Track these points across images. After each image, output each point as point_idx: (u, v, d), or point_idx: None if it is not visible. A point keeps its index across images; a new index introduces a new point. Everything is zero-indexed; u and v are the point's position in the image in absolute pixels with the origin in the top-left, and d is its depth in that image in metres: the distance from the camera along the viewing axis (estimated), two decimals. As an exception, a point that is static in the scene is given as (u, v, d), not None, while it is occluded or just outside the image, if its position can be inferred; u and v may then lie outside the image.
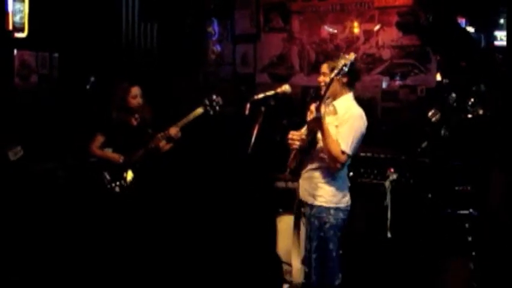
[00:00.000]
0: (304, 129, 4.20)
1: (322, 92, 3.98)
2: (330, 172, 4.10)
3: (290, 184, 5.87)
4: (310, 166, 4.22)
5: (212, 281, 5.33)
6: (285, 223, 5.38)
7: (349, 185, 4.30)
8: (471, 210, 5.34)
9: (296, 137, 4.20)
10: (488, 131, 5.59)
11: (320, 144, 4.07)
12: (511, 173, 5.27)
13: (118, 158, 5.23)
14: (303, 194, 4.29)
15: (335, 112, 4.08)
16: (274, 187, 5.87)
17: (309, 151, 4.16)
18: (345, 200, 4.18)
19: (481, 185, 5.47)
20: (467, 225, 5.30)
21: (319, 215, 4.14)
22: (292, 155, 4.33)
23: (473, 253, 5.12)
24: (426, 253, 5.29)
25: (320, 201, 4.14)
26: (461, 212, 5.37)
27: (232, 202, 6.29)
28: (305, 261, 4.38)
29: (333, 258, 4.15)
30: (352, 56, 3.84)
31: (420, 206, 5.52)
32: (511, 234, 5.07)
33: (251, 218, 5.96)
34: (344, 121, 4.01)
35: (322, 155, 4.09)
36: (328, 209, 4.11)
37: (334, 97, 4.13)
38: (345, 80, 4.06)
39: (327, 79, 3.96)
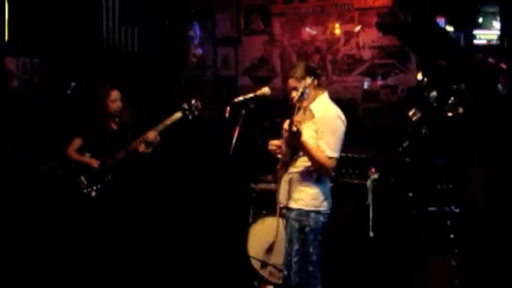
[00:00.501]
0: (282, 141, 4.19)
1: (294, 111, 3.95)
2: (311, 175, 4.08)
3: (272, 186, 5.90)
4: (291, 169, 4.19)
5: (189, 282, 5.34)
6: (267, 225, 5.41)
7: (331, 185, 4.30)
8: (452, 207, 5.38)
9: (275, 147, 4.20)
10: (468, 129, 5.64)
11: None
12: (490, 170, 5.32)
13: (94, 163, 5.20)
14: (283, 197, 4.26)
15: (312, 116, 4.07)
16: (255, 189, 5.88)
17: (292, 158, 4.15)
18: (325, 204, 4.15)
19: (462, 183, 5.52)
20: (448, 222, 5.34)
21: (299, 218, 4.11)
22: (279, 165, 4.30)
23: (455, 250, 5.16)
24: (408, 251, 5.32)
25: (300, 205, 4.11)
26: (443, 209, 5.41)
27: (211, 204, 6.29)
28: (284, 265, 4.38)
29: (313, 262, 4.12)
30: (308, 81, 3.95)
31: (402, 204, 5.55)
32: (492, 231, 5.13)
33: (230, 220, 5.97)
34: (322, 124, 4.00)
35: (302, 159, 4.08)
36: (309, 212, 4.09)
37: (310, 101, 4.10)
38: (314, 82, 4.07)
39: (298, 93, 3.94)
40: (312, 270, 4.13)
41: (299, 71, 4.08)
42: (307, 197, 4.10)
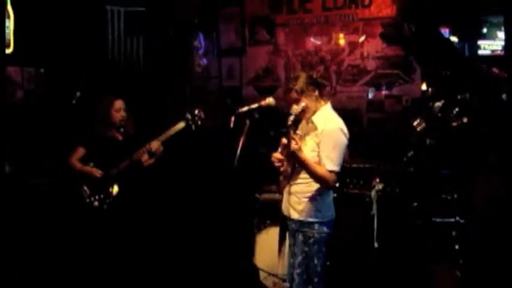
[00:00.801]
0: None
1: (290, 128, 3.98)
2: (313, 187, 4.07)
3: (276, 196, 5.89)
4: (293, 181, 4.20)
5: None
6: (271, 235, 5.39)
7: (335, 195, 4.31)
8: (457, 218, 5.37)
9: (276, 160, 4.17)
10: (473, 139, 5.63)
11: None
12: (494, 180, 5.31)
13: (97, 173, 5.20)
14: (287, 208, 4.26)
15: (315, 128, 4.07)
16: (259, 199, 5.88)
17: (294, 170, 4.17)
18: (329, 214, 4.16)
19: (467, 193, 5.50)
20: (454, 233, 5.32)
21: (303, 230, 4.11)
22: (281, 177, 4.32)
23: (460, 261, 5.14)
24: (413, 262, 5.30)
25: (304, 216, 4.11)
26: (448, 220, 5.39)
27: (215, 214, 6.28)
28: (288, 277, 4.36)
29: (319, 273, 4.12)
30: (301, 104, 4.02)
31: (406, 215, 5.53)
32: (497, 241, 5.11)
33: (234, 230, 5.96)
34: (324, 137, 3.99)
35: (304, 171, 4.07)
36: (313, 223, 4.08)
37: (313, 113, 4.11)
38: (316, 93, 4.10)
39: (300, 107, 4.03)
40: (317, 281, 4.12)
41: (299, 83, 4.10)
42: (310, 208, 4.09)
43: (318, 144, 4.00)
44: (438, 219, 5.47)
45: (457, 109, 5.90)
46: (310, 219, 4.08)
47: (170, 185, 6.76)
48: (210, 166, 6.81)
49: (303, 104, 4.03)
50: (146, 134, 5.27)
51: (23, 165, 6.19)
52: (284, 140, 4.08)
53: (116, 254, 5.17)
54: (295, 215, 4.16)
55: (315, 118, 4.09)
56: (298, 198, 4.15)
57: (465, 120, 5.80)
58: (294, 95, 4.10)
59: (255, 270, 5.38)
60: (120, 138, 5.30)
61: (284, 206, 4.31)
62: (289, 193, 4.23)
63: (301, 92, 4.07)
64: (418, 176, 5.72)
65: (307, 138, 4.11)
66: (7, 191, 5.78)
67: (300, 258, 4.13)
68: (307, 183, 4.09)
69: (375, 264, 5.30)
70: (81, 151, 5.28)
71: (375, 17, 7.42)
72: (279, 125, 4.22)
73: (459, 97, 6.05)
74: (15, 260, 5.39)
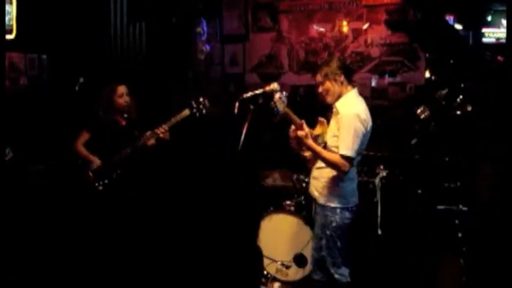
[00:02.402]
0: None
1: (291, 117, 4.13)
2: (337, 173, 4.11)
3: (279, 182, 5.90)
4: (318, 164, 4.29)
5: (195, 277, 5.33)
6: (275, 221, 5.40)
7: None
8: (461, 206, 5.37)
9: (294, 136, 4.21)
10: (476, 127, 5.62)
11: (328, 143, 4.16)
12: (497, 168, 5.30)
13: (96, 162, 5.20)
14: (312, 191, 4.38)
15: (337, 113, 4.11)
16: (263, 185, 5.88)
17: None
18: (352, 200, 4.25)
19: (470, 181, 5.50)
20: (457, 221, 5.32)
21: (326, 214, 4.21)
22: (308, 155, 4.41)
23: (464, 249, 5.14)
24: (416, 249, 5.31)
25: (326, 201, 4.21)
26: (451, 208, 5.39)
27: (218, 200, 6.28)
28: (314, 259, 4.47)
29: (342, 255, 4.25)
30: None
31: (410, 202, 5.54)
32: (500, 229, 5.10)
33: (237, 217, 5.96)
34: (341, 122, 4.02)
35: None
36: (335, 209, 4.18)
37: (338, 98, 4.16)
38: (342, 78, 4.13)
39: (325, 87, 4.14)
40: (340, 261, 4.28)
41: (327, 67, 4.15)
42: (332, 194, 4.18)
43: (338, 129, 4.05)
44: (441, 207, 5.47)
45: (461, 97, 5.89)
46: (333, 205, 4.18)
47: (174, 172, 6.75)
48: (213, 153, 6.80)
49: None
50: (149, 120, 5.26)
51: (26, 151, 6.17)
52: (293, 127, 4.12)
53: (119, 239, 5.17)
54: (319, 199, 4.28)
55: (338, 103, 4.13)
56: (321, 182, 4.26)
57: (469, 108, 5.79)
58: (318, 77, 4.19)
59: (259, 256, 5.38)
60: (124, 123, 5.30)
61: (310, 188, 4.43)
62: (313, 177, 4.36)
63: (325, 76, 4.13)
64: (421, 164, 5.71)
65: (331, 122, 4.18)
66: (8, 177, 5.77)
67: (324, 241, 4.25)
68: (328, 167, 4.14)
69: (378, 251, 5.31)
70: (85, 135, 5.28)
71: (380, 3, 7.39)
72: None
73: (463, 85, 6.04)
74: (16, 251, 5.38)
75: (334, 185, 4.17)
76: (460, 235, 5.25)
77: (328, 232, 4.21)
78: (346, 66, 4.24)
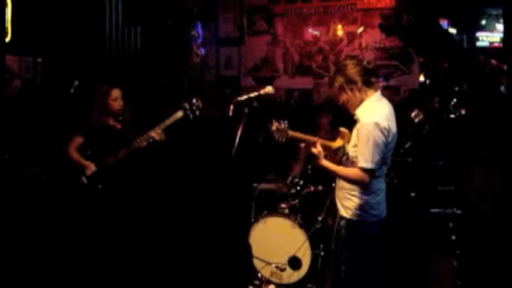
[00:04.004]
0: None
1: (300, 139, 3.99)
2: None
3: (273, 185, 5.90)
4: None
5: (190, 279, 5.34)
6: (269, 225, 5.41)
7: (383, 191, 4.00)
8: (454, 209, 5.38)
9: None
10: (470, 130, 5.64)
11: (349, 153, 3.89)
12: (491, 171, 5.32)
13: (89, 168, 5.21)
14: (337, 201, 4.07)
15: (358, 120, 3.80)
16: (257, 188, 5.89)
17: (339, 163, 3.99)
18: (376, 214, 3.90)
19: (464, 184, 5.52)
20: (450, 224, 5.34)
21: (348, 228, 3.92)
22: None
23: (457, 251, 5.16)
24: (410, 252, 5.32)
25: (349, 214, 3.90)
26: (445, 211, 5.40)
27: (213, 203, 6.28)
28: (334, 272, 4.21)
29: (364, 272, 3.95)
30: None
31: (404, 205, 5.55)
32: (493, 232, 5.13)
33: (232, 220, 5.96)
34: (359, 132, 3.72)
35: (350, 165, 3.87)
36: (358, 222, 3.88)
37: (357, 105, 3.84)
38: (359, 85, 3.80)
39: (344, 98, 3.86)
40: (364, 280, 3.97)
41: (341, 76, 3.84)
42: (355, 207, 3.86)
43: (357, 139, 3.76)
44: (435, 210, 5.49)
45: (454, 100, 5.91)
46: (356, 218, 3.87)
47: (169, 174, 6.75)
48: (208, 155, 6.81)
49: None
50: (144, 122, 5.27)
51: (19, 154, 6.16)
52: (303, 145, 4.01)
53: (114, 241, 5.17)
54: (342, 212, 3.96)
55: (358, 111, 3.82)
56: (343, 194, 3.96)
57: (463, 111, 5.81)
58: (334, 90, 3.90)
59: (249, 254, 5.39)
60: (118, 126, 5.29)
61: (336, 199, 4.10)
62: (338, 188, 4.04)
63: (341, 88, 3.84)
64: (415, 167, 5.73)
65: (353, 132, 3.87)
66: (4, 180, 5.77)
67: (345, 255, 3.97)
68: None
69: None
70: (79, 140, 5.26)
71: (374, 7, 7.43)
72: (276, 115, 4.20)
73: (457, 88, 6.06)
74: (10, 253, 5.37)
75: (356, 198, 3.86)
76: (453, 238, 5.26)
77: (351, 247, 3.92)
78: (363, 68, 3.81)
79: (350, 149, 3.87)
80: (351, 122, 3.92)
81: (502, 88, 6.09)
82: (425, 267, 5.20)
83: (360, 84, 3.78)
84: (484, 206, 5.39)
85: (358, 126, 3.77)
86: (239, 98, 4.11)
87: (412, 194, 5.58)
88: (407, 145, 5.80)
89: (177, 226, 6.17)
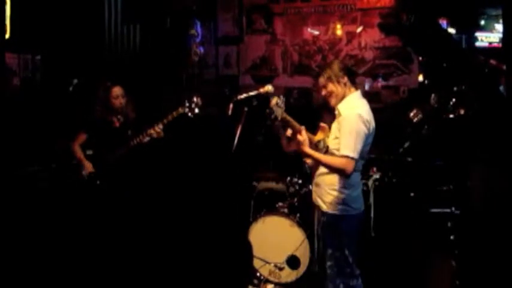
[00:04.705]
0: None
1: (289, 123, 4.02)
2: (340, 179, 4.00)
3: (272, 184, 5.90)
4: (319, 171, 4.15)
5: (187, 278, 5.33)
6: (268, 224, 5.41)
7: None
8: (453, 209, 5.38)
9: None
10: (469, 130, 5.64)
11: (330, 146, 4.04)
12: (490, 171, 5.32)
13: (88, 167, 5.22)
14: (315, 198, 4.23)
15: (339, 115, 4.00)
16: (256, 187, 5.88)
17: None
18: (357, 207, 4.08)
19: (462, 184, 5.52)
20: (449, 224, 5.34)
21: (332, 223, 4.05)
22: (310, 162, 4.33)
23: (456, 251, 5.16)
24: (409, 252, 5.32)
25: (332, 209, 4.04)
26: (444, 210, 5.41)
27: (212, 202, 6.28)
28: (320, 267, 4.38)
29: (350, 264, 4.08)
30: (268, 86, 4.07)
31: (403, 204, 5.55)
32: (492, 232, 5.13)
33: (231, 218, 5.96)
34: (342, 124, 3.91)
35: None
36: (341, 217, 4.02)
37: (341, 100, 4.05)
38: (344, 80, 4.02)
39: (329, 89, 4.05)
40: (349, 271, 4.09)
41: (329, 69, 4.06)
42: (337, 202, 4.02)
43: (339, 131, 3.93)
44: (434, 210, 5.49)
45: (453, 100, 5.91)
46: (338, 213, 4.02)
47: (167, 172, 6.75)
48: (207, 153, 6.80)
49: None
50: (143, 120, 5.28)
51: (18, 152, 6.16)
52: (289, 132, 4.08)
53: (113, 239, 5.17)
54: (323, 207, 4.10)
55: (340, 105, 4.03)
56: (324, 190, 4.10)
57: (462, 111, 5.81)
58: (321, 80, 4.09)
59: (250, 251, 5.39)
60: (119, 124, 5.32)
61: (313, 196, 4.27)
62: (316, 184, 4.20)
63: (328, 78, 4.04)
64: (414, 167, 5.73)
65: (333, 125, 4.07)
66: (3, 179, 5.77)
67: (330, 250, 4.09)
68: (333, 174, 4.02)
69: (371, 253, 5.31)
70: (83, 136, 5.31)
71: (373, 7, 7.42)
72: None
73: (456, 88, 6.05)
74: (10, 251, 5.36)
75: (338, 193, 4.02)
76: (452, 238, 5.26)
77: (335, 241, 4.05)
78: (348, 68, 4.12)
79: (331, 142, 4.04)
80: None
81: (502, 88, 6.10)
82: (424, 267, 5.20)
83: (345, 79, 4.02)
84: (483, 206, 5.38)
85: (339, 119, 3.97)
86: (239, 97, 4.09)
87: (411, 194, 5.58)
88: (406, 145, 5.81)
89: (175, 224, 6.16)
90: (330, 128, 4.13)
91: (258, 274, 5.39)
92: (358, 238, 4.13)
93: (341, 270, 4.08)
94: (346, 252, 4.04)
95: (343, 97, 4.04)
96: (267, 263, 5.35)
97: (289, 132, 4.09)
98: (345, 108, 3.98)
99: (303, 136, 3.92)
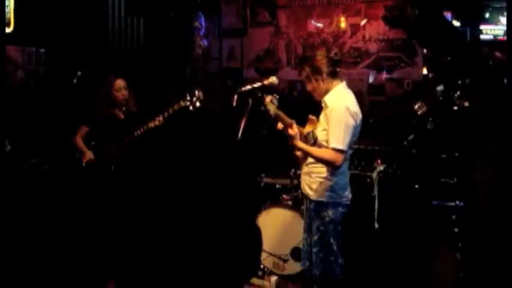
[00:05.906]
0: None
1: (281, 118, 4.10)
2: (328, 167, 4.08)
3: (276, 176, 5.90)
4: (308, 160, 4.24)
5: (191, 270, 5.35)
6: (272, 216, 5.41)
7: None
8: (457, 201, 5.38)
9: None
10: (473, 123, 5.63)
11: (318, 137, 4.11)
12: (494, 164, 5.31)
13: (88, 155, 5.23)
14: (303, 187, 4.33)
15: (326, 107, 4.07)
16: (261, 181, 5.89)
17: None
18: (344, 195, 4.18)
19: (467, 177, 5.51)
20: (453, 216, 5.34)
21: (319, 210, 4.16)
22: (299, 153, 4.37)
23: (460, 244, 5.15)
24: (413, 244, 5.32)
25: (319, 196, 4.15)
26: (448, 203, 5.40)
27: (215, 195, 6.29)
28: (305, 255, 4.45)
29: (334, 252, 4.18)
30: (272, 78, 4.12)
31: (407, 197, 5.55)
32: (496, 225, 5.12)
33: (235, 211, 5.97)
34: (330, 116, 3.97)
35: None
36: (328, 204, 4.12)
37: (325, 93, 4.11)
38: (323, 76, 4.08)
39: (309, 87, 4.16)
40: (333, 259, 4.20)
41: (313, 61, 4.11)
42: (325, 189, 4.12)
43: (327, 123, 4.00)
44: (438, 202, 5.49)
45: (458, 93, 5.90)
46: (326, 200, 4.13)
47: (171, 165, 6.76)
48: (211, 146, 6.80)
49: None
50: (146, 113, 5.28)
51: (23, 145, 6.16)
52: (280, 125, 4.13)
53: (113, 231, 5.19)
54: (311, 194, 4.21)
55: (326, 97, 4.09)
56: (312, 178, 4.20)
57: (466, 104, 5.80)
58: (303, 76, 4.17)
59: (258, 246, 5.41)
60: (122, 116, 5.32)
61: (302, 185, 4.38)
62: (304, 173, 4.31)
63: (307, 77, 4.13)
64: (419, 159, 5.72)
65: (321, 117, 4.14)
66: (6, 169, 5.77)
67: (315, 237, 4.20)
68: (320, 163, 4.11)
69: (374, 245, 5.32)
70: (84, 129, 5.32)
71: (378, -1, 7.39)
72: (279, 106, 4.19)
73: (460, 81, 6.05)
74: (12, 244, 5.37)
75: (326, 180, 4.12)
76: (456, 230, 5.26)
77: (322, 228, 4.15)
78: (332, 60, 4.13)
79: (319, 133, 4.11)
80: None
81: (506, 81, 6.08)
82: (428, 260, 5.20)
83: (324, 75, 4.08)
84: (487, 199, 5.38)
85: (326, 111, 4.05)
86: (243, 89, 4.10)
87: (416, 186, 5.58)
88: (410, 137, 5.80)
89: (177, 218, 6.18)
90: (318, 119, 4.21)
91: (262, 266, 5.40)
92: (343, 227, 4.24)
93: (326, 257, 4.19)
94: (331, 239, 4.15)
95: (326, 91, 4.10)
96: (271, 255, 5.36)
97: (280, 126, 4.14)
98: (331, 100, 4.05)
99: (294, 130, 4.02)
